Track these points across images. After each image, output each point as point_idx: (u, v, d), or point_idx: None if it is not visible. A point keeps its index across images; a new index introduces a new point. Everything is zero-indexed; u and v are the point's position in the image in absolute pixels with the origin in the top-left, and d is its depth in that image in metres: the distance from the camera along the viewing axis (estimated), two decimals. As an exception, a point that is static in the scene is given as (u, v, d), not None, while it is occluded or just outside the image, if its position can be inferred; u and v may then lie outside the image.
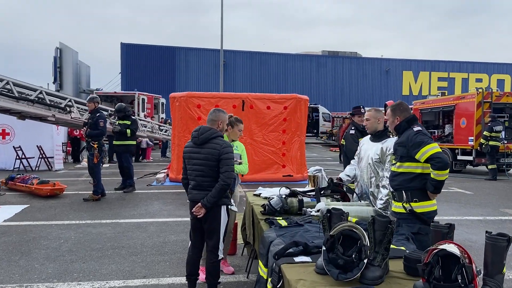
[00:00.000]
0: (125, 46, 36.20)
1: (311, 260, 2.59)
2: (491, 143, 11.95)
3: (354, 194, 4.28)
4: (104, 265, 4.66)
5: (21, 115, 10.61)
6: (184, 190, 3.89)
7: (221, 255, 3.65)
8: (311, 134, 29.21)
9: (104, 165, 14.35)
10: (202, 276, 3.94)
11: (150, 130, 17.49)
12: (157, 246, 5.38)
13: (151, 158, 18.02)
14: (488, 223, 6.83)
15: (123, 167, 9.58)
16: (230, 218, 4.22)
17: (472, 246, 5.37)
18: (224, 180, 3.52)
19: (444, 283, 1.94)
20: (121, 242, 5.52)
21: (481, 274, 1.98)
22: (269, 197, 4.57)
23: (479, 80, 40.64)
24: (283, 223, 3.42)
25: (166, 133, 18.82)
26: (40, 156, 13.36)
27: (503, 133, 12.24)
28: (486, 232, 2.03)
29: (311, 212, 3.74)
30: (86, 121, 8.77)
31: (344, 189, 4.22)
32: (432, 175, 3.25)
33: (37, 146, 13.26)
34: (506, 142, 12.32)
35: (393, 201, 3.66)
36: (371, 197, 4.16)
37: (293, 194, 4.10)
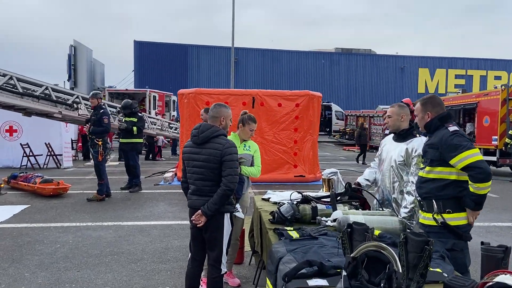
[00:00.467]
0: (138, 44, 36.35)
1: (327, 284, 2.16)
2: None
3: (375, 201, 3.82)
4: (100, 274, 4.30)
5: (27, 112, 10.37)
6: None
7: (224, 269, 3.23)
8: (323, 133, 28.63)
9: (113, 163, 14.12)
10: (203, 290, 3.55)
11: (160, 127, 17.20)
12: (158, 253, 4.99)
13: (162, 156, 17.76)
14: (518, 230, 6.30)
15: (129, 166, 9.25)
16: (236, 225, 3.81)
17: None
18: (226, 185, 3.10)
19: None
20: (121, 248, 5.15)
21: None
22: (278, 203, 4.15)
23: (498, 78, 39.47)
24: (295, 234, 3.00)
25: (176, 131, 18.52)
26: (49, 153, 13.15)
27: None
28: (482, 243, 1.67)
29: (326, 221, 3.30)
30: (89, 117, 8.46)
31: (363, 195, 3.77)
32: (471, 189, 2.74)
33: (45, 143, 13.03)
34: None
35: (420, 211, 3.19)
36: (393, 204, 3.68)
37: (305, 200, 3.65)
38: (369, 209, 3.72)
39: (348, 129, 26.44)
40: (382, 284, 1.83)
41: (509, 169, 12.58)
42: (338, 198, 3.66)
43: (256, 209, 4.16)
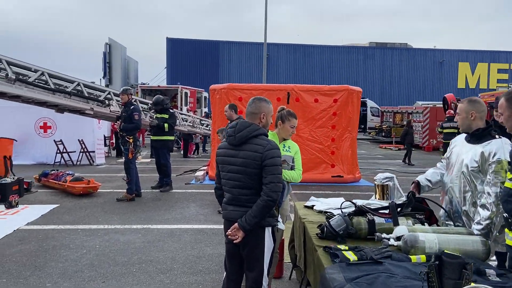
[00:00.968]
0: (170, 41, 36.65)
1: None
2: None
3: (441, 211, 3.23)
4: (127, 286, 3.92)
5: (59, 108, 10.24)
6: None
7: (265, 293, 2.76)
8: (358, 130, 27.64)
9: (145, 160, 13.96)
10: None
11: (191, 124, 16.95)
12: (190, 262, 4.59)
13: (199, 153, 17.61)
14: None
15: (160, 164, 8.95)
16: (277, 237, 3.33)
17: None
18: (268, 194, 2.61)
19: None
20: (150, 255, 4.78)
21: None
22: (324, 212, 3.63)
23: (543, 71, 37.08)
24: (351, 256, 2.47)
25: (208, 128, 18.24)
26: (82, 150, 13.14)
27: None
28: None
29: (388, 239, 2.75)
30: (120, 114, 8.20)
31: (429, 206, 3.18)
32: None
33: (78, 140, 13.03)
34: None
35: (507, 230, 2.58)
36: (464, 218, 3.08)
37: (360, 211, 3.12)
38: (437, 224, 3.14)
39: (384, 126, 25.39)
40: None
41: None
42: (399, 209, 3.10)
43: (298, 219, 3.65)
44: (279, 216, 3.35)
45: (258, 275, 2.73)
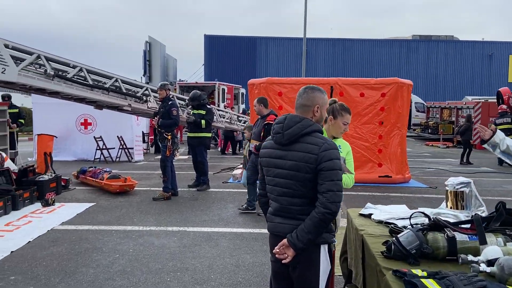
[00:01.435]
0: (208, 37, 36.75)
1: None
2: None
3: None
4: (159, 298, 3.57)
5: (98, 105, 10.18)
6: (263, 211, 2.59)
7: (319, 323, 2.27)
8: (405, 127, 26.39)
9: (183, 157, 13.79)
10: None
11: (229, 121, 16.65)
12: (228, 271, 4.17)
13: (230, 150, 17.28)
14: None
15: (197, 162, 8.64)
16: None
17: None
18: (326, 205, 2.12)
19: None
20: (186, 262, 4.41)
21: None
22: (385, 222, 3.09)
23: None
24: (434, 286, 1.94)
25: (245, 125, 17.89)
26: (121, 146, 13.15)
27: None
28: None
29: (478, 264, 2.18)
30: (157, 110, 7.95)
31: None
32: None
33: (117, 136, 13.04)
34: None
35: None
36: None
37: (436, 225, 2.55)
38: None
39: (431, 123, 24.05)
40: None
41: None
42: (486, 223, 2.52)
43: (354, 230, 3.13)
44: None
45: (312, 301, 2.25)
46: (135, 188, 8.11)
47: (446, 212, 3.00)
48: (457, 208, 3.08)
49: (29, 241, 4.99)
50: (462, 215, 2.88)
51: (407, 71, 36.59)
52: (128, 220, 6.02)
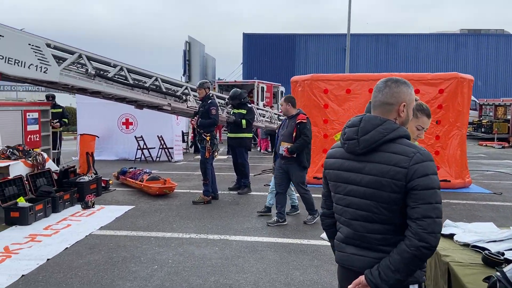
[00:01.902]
0: (247, 36, 36.57)
1: None
2: None
3: None
4: (201, 321, 3.17)
5: (138, 104, 10.05)
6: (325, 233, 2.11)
7: None
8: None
9: (222, 157, 13.51)
10: None
11: (269, 120, 16.21)
12: (276, 290, 3.73)
13: (269, 149, 16.85)
14: None
15: (237, 164, 8.26)
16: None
17: None
18: (421, 236, 1.61)
19: None
20: (229, 277, 4.01)
21: None
22: (473, 246, 2.54)
23: None
24: None
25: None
26: (161, 146, 13.06)
27: None
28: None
29: None
30: (197, 109, 7.63)
31: None
32: None
33: (157, 136, 12.96)
34: None
35: None
36: None
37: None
38: None
39: (484, 121, 22.50)
40: None
41: None
42: None
43: (435, 254, 2.59)
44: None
45: None
46: (174, 190, 7.84)
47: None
48: None
49: (67, 248, 4.78)
50: None
51: (455, 66, 34.69)
52: (167, 226, 5.71)
